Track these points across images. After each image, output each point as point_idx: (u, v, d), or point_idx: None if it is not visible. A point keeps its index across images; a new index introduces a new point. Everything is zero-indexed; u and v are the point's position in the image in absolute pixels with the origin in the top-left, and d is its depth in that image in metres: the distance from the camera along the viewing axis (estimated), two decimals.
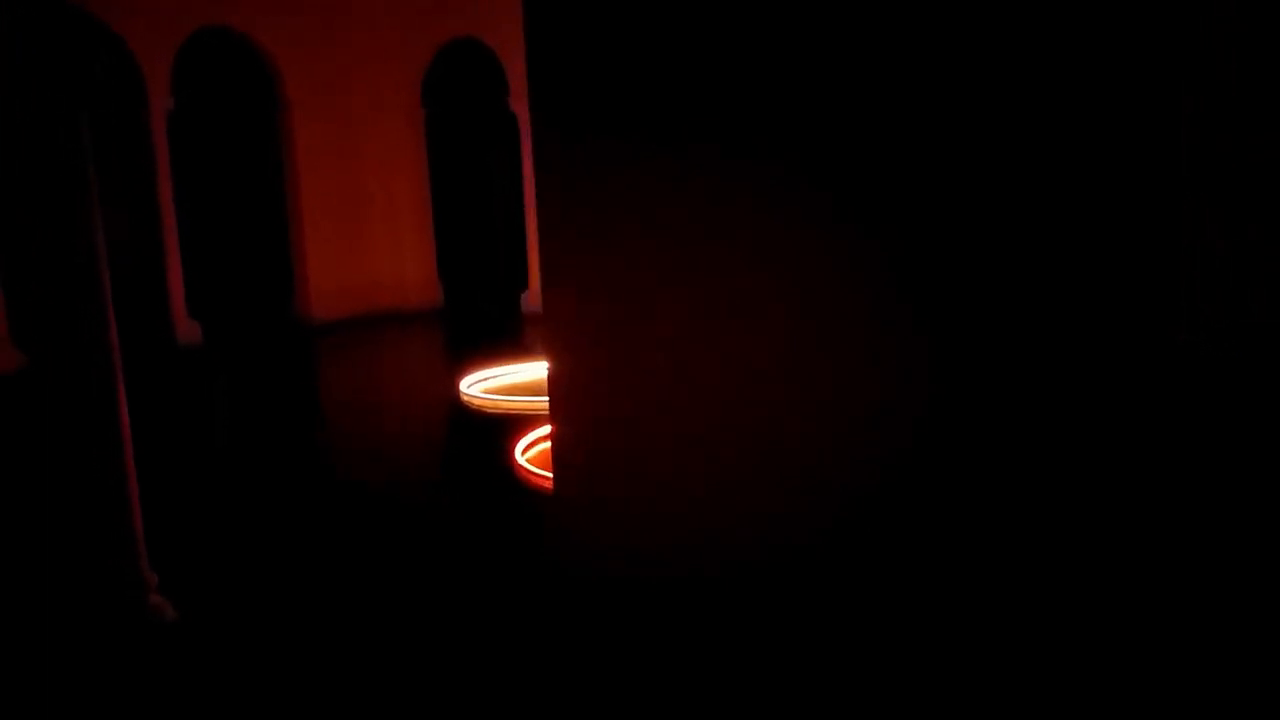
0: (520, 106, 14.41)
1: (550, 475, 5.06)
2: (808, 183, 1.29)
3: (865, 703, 1.37)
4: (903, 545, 1.32)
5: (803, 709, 1.35)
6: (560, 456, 1.52)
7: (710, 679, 1.44)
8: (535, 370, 8.03)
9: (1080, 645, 1.21)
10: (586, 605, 1.54)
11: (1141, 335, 1.17)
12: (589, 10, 1.36)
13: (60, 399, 3.31)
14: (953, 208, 1.22)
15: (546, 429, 6.00)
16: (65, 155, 3.13)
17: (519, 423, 6.36)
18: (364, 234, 15.27)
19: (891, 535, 1.32)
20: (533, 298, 14.81)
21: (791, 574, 1.37)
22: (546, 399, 6.21)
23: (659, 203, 1.38)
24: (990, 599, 1.26)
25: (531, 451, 5.69)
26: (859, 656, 1.36)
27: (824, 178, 1.28)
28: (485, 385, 7.70)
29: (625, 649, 1.50)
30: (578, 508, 1.50)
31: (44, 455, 3.38)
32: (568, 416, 1.49)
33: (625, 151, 1.40)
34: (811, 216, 1.29)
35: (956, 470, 1.28)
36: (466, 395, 7.56)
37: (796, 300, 1.31)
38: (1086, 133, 1.16)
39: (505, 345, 11.63)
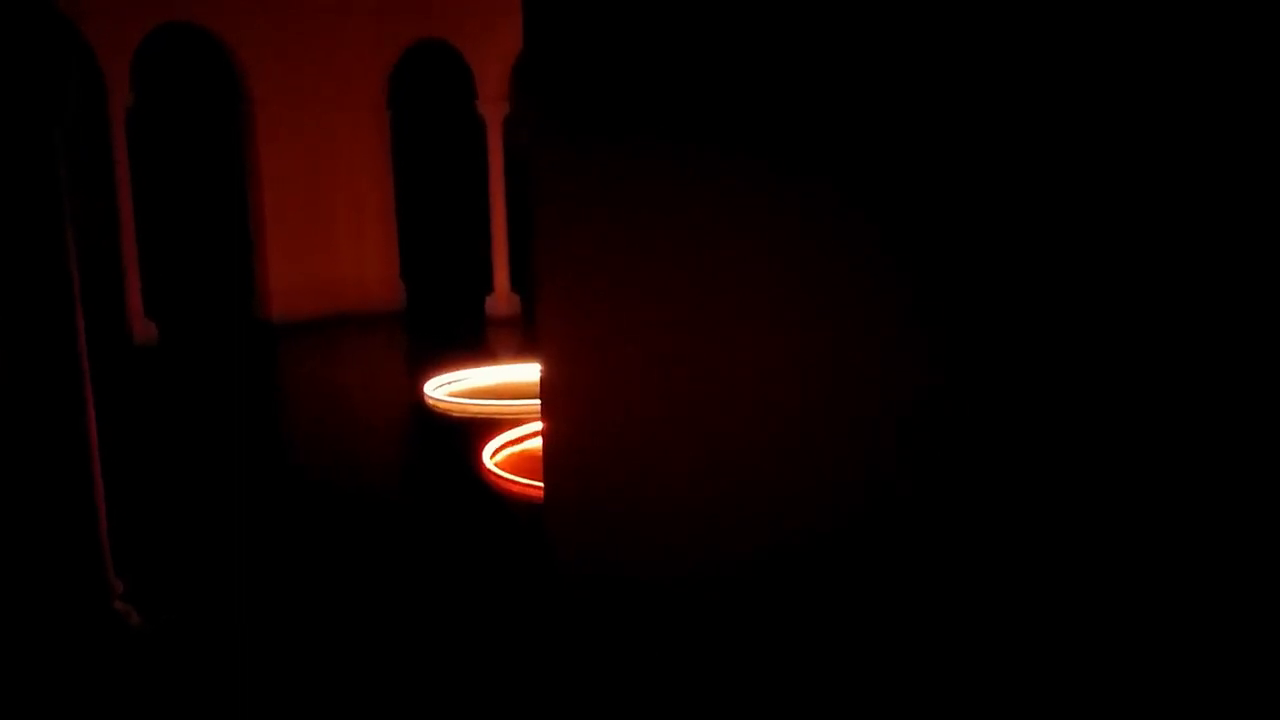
0: (487, 108, 14.36)
1: (520, 480, 5.04)
2: (817, 183, 1.29)
3: (869, 703, 1.37)
4: (905, 548, 1.32)
5: (817, 710, 1.36)
6: (553, 458, 1.51)
7: (710, 682, 1.44)
8: (500, 374, 8.00)
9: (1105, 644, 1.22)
10: (581, 609, 1.53)
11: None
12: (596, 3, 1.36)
13: (25, 401, 3.23)
14: (961, 206, 1.23)
15: (514, 433, 5.97)
16: (36, 153, 3.06)
17: (485, 426, 6.32)
18: (327, 234, 15.12)
19: (896, 538, 1.33)
20: (498, 300, 14.75)
21: (798, 573, 1.37)
22: (512, 403, 6.17)
23: (662, 200, 1.38)
24: (998, 609, 1.27)
25: (500, 455, 5.65)
26: (861, 658, 1.36)
27: (835, 179, 1.29)
28: (450, 389, 7.64)
29: (622, 652, 1.49)
30: (572, 510, 1.49)
31: (7, 459, 3.29)
32: (562, 417, 1.48)
33: (627, 150, 1.40)
34: (821, 216, 1.30)
35: (961, 470, 1.28)
36: (431, 399, 7.50)
37: (804, 300, 1.31)
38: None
39: (470, 348, 11.56)
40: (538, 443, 5.69)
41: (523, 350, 11.44)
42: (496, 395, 7.38)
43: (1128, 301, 1.15)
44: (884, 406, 1.26)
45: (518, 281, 14.76)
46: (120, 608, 3.62)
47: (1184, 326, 1.14)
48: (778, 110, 1.29)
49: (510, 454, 5.81)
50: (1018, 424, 1.22)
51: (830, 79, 1.27)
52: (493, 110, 14.34)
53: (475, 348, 12.14)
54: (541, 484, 5.41)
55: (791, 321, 1.28)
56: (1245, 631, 1.13)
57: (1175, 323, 1.13)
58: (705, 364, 1.33)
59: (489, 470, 5.15)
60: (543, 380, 1.48)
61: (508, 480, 5.02)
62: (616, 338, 1.39)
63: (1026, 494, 1.22)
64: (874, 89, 1.25)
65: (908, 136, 1.23)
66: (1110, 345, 1.16)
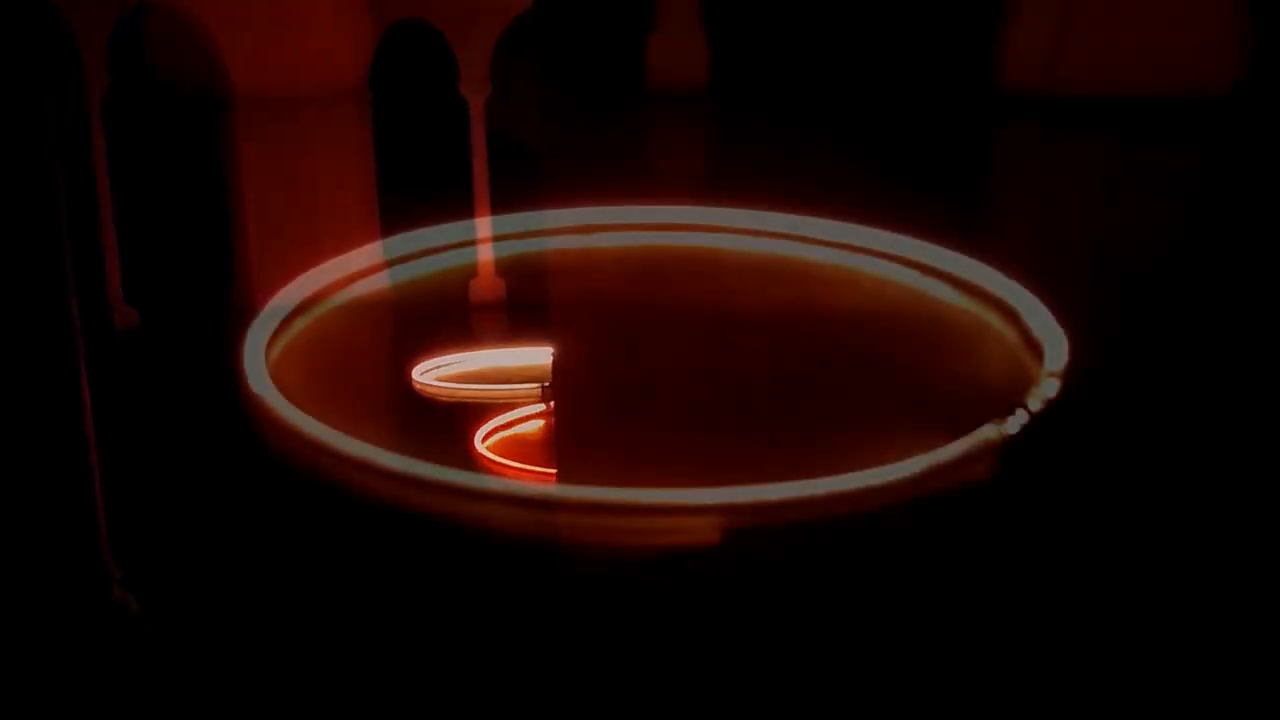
0: (469, 91, 14.27)
1: (514, 464, 5.06)
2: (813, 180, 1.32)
3: (869, 703, 1.41)
4: (905, 548, 1.35)
5: (816, 710, 1.38)
6: (565, 443, 1.53)
7: (711, 681, 1.47)
8: (487, 358, 8.03)
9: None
10: (583, 606, 1.55)
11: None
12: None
13: (21, 387, 3.22)
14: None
15: (505, 417, 6.01)
16: (31, 137, 3.04)
17: (477, 411, 6.35)
18: (309, 219, 15.01)
19: (896, 538, 1.36)
20: (482, 285, 14.72)
21: (798, 573, 1.40)
22: (502, 387, 6.21)
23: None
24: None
25: (491, 440, 5.69)
26: (861, 657, 1.39)
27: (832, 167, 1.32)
28: (439, 373, 7.68)
29: (624, 650, 1.52)
30: (578, 504, 1.51)
31: (4, 448, 3.28)
32: (575, 403, 1.50)
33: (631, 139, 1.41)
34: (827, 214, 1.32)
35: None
36: (420, 383, 7.54)
37: (811, 299, 1.34)
38: None
39: (455, 334, 11.54)
40: (530, 427, 5.72)
41: (508, 335, 11.42)
42: (485, 380, 7.42)
43: None
44: (884, 399, 1.29)
45: (503, 266, 14.73)
46: (119, 595, 3.63)
47: None
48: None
49: (501, 438, 5.86)
50: None
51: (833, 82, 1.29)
52: (475, 94, 14.27)
53: (460, 332, 12.11)
54: (534, 468, 5.47)
55: (805, 324, 1.30)
56: None
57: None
58: (719, 361, 1.35)
59: (483, 454, 5.19)
60: (554, 369, 1.50)
61: (501, 465, 5.07)
62: (627, 330, 1.40)
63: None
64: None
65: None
66: None
